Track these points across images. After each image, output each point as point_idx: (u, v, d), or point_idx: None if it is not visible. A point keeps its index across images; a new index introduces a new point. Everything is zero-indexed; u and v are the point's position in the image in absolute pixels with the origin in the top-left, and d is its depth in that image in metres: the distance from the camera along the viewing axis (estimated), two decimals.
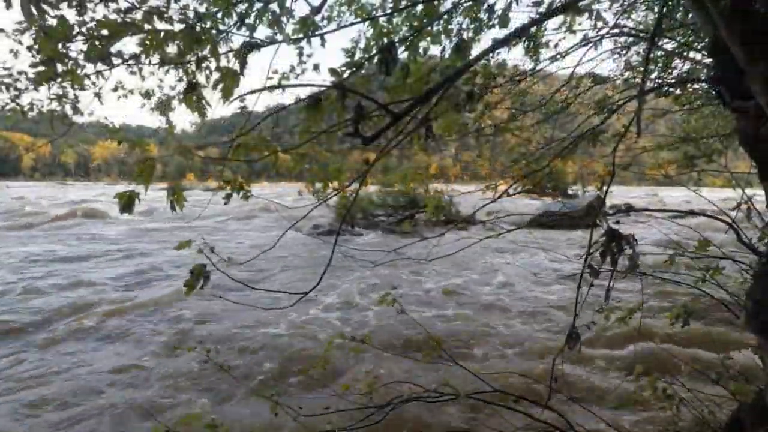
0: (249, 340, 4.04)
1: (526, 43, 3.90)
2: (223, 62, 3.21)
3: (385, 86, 2.95)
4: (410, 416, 2.71)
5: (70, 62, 1.93)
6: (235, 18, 3.38)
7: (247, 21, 3.45)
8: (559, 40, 3.86)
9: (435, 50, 3.64)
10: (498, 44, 1.99)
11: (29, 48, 3.71)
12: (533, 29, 3.76)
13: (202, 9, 3.60)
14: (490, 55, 3.60)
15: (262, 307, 3.85)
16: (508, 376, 2.99)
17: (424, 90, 2.89)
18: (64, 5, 2.27)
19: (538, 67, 3.81)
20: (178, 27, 2.72)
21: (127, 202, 1.77)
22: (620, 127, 3.92)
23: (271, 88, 1.64)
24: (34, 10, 1.43)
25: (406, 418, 2.69)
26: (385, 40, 3.43)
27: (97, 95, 4.03)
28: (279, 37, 2.97)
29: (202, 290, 1.50)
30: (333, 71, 2.38)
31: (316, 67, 3.85)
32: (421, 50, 3.41)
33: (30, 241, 10.76)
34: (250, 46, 1.46)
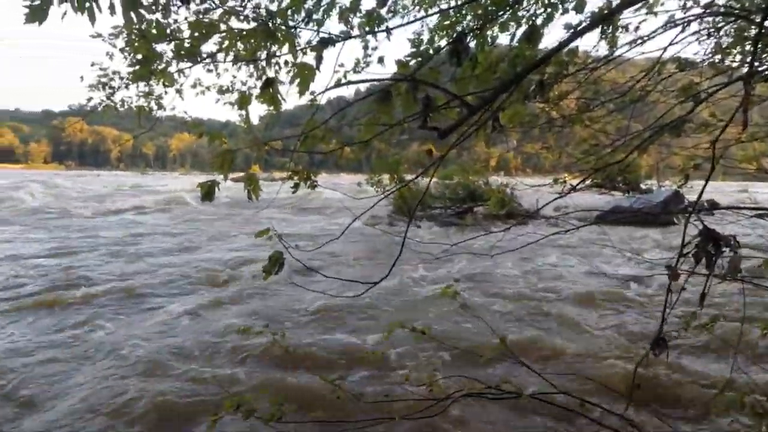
0: (313, 326, 4.19)
1: (602, 27, 3.66)
2: (289, 57, 3.32)
3: (454, 77, 2.90)
4: (470, 412, 2.69)
5: (162, 62, 2.09)
6: (303, 14, 3.48)
7: (314, 16, 3.53)
8: (640, 23, 3.59)
9: (502, 38, 3.53)
10: (582, 30, 1.88)
11: (122, 50, 4.06)
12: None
13: (272, 7, 3.75)
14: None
15: (331, 294, 3.98)
16: (576, 380, 2.87)
17: (498, 81, 2.82)
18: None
19: (614, 53, 3.56)
20: (250, 25, 2.86)
21: (207, 191, 1.90)
22: (707, 116, 3.58)
23: (354, 83, 1.67)
24: (133, 15, 1.55)
25: (465, 413, 2.67)
26: (448, 30, 3.37)
27: (179, 92, 4.33)
28: (354, 32, 3.01)
29: (276, 275, 1.58)
30: (401, 63, 2.38)
31: (380, 60, 3.88)
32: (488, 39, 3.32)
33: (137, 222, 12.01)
34: (327, 42, 1.49)
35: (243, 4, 2.84)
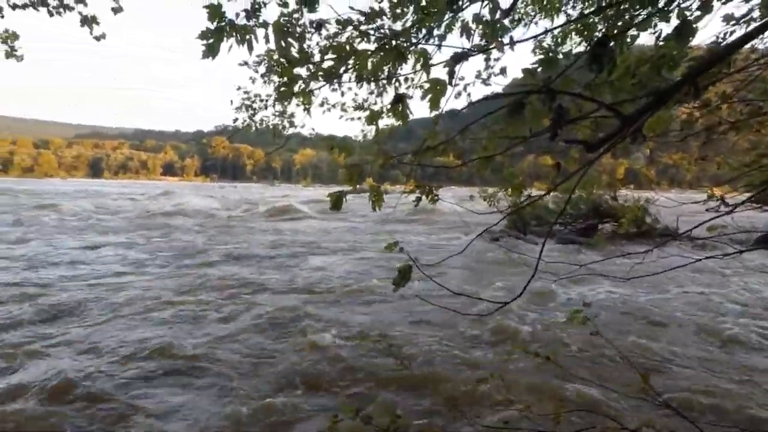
0: (432, 341, 4.14)
1: None
2: (408, 69, 3.39)
3: (588, 83, 2.69)
4: None
5: (303, 84, 2.29)
6: (424, 31, 3.54)
7: (436, 32, 3.56)
8: None
9: (643, 38, 3.18)
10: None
11: (262, 76, 4.57)
12: None
13: (395, 26, 3.88)
14: (724, 35, 2.97)
15: (456, 310, 3.89)
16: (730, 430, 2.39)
17: (638, 86, 2.54)
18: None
19: None
20: (371, 45, 2.99)
21: (336, 201, 2.01)
22: None
23: (497, 96, 1.63)
24: (282, 43, 1.71)
25: None
26: (585, 34, 3.13)
27: (307, 110, 4.72)
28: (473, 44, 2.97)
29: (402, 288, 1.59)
30: (528, 72, 2.27)
31: (503, 71, 3.76)
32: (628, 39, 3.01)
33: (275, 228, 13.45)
34: (460, 57, 1.48)
35: (367, 23, 2.98)
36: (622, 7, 2.90)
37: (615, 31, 2.77)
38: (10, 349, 3.77)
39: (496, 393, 2.91)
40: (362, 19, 2.46)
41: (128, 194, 31.13)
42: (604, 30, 3.04)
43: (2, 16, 4.12)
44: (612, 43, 2.55)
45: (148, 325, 4.58)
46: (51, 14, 4.13)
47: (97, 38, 4.46)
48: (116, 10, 4.31)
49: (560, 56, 3.21)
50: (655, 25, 2.97)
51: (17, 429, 2.64)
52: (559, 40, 4.30)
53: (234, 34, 1.92)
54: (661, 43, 2.73)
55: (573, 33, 3.86)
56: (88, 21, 4.26)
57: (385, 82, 4.57)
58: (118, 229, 12.82)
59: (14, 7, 4.02)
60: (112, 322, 4.64)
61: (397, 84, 4.58)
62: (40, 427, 2.69)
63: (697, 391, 3.08)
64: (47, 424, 2.70)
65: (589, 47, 2.22)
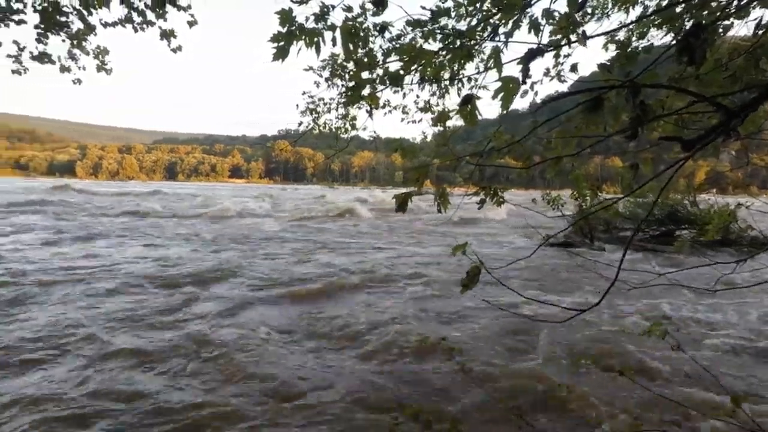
0: (498, 347, 4.01)
1: None
2: (471, 69, 3.31)
3: (672, 78, 2.50)
4: None
5: (371, 87, 2.32)
6: (489, 30, 3.45)
7: (501, 30, 3.47)
8: None
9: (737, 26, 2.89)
10: None
11: (326, 80, 4.70)
12: None
13: (459, 26, 3.83)
14: None
15: (528, 315, 3.78)
16: None
17: (730, 79, 2.33)
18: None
19: None
20: (432, 46, 2.97)
21: (402, 202, 2.01)
22: None
23: (571, 94, 1.56)
24: (351, 47, 1.74)
25: None
26: (672, 25, 2.90)
27: (370, 113, 4.77)
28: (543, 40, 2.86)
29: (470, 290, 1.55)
30: (603, 67, 2.14)
31: (573, 68, 3.59)
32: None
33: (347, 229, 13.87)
34: (535, 54, 1.42)
35: (435, 27, 2.96)
36: None
37: (704, 21, 2.55)
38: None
39: (564, 406, 2.75)
40: (428, 17, 2.44)
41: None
42: (691, 20, 2.80)
43: (95, 34, 4.55)
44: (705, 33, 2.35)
45: None
46: (135, 30, 4.50)
47: (174, 50, 4.81)
48: (191, 24, 4.62)
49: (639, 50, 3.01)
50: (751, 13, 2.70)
51: None
52: (636, 33, 4.03)
53: (303, 37, 1.99)
54: (760, 33, 2.47)
55: (652, 25, 3.60)
56: (166, 35, 4.61)
57: (447, 83, 4.53)
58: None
59: (105, 25, 4.44)
60: None
61: (459, 85, 4.52)
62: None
63: None
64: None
65: (676, 39, 2.06)
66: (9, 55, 4.19)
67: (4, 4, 3.91)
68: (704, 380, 2.84)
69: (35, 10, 4.00)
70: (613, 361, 2.40)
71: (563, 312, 4.05)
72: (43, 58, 4.23)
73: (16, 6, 3.94)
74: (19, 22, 3.97)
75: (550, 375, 3.24)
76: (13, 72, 4.32)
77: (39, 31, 4.06)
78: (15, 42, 4.13)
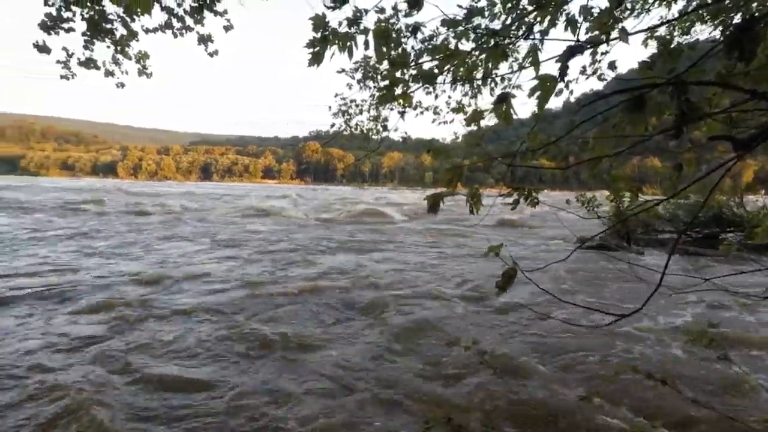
0: (525, 351, 3.91)
1: None
2: (504, 68, 3.27)
3: (719, 74, 2.38)
4: None
5: (405, 86, 2.33)
6: (524, 28, 3.39)
7: (536, 28, 3.40)
8: None
9: None
10: None
11: (359, 81, 4.73)
12: None
13: (492, 25, 3.78)
14: None
15: (565, 321, 3.68)
16: None
17: None
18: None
19: None
20: (465, 46, 2.94)
21: (433, 203, 2.00)
22: None
23: (611, 94, 1.52)
24: (383, 48, 1.75)
25: None
26: (720, 19, 2.77)
27: (402, 114, 4.77)
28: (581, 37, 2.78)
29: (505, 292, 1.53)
30: (645, 65, 2.07)
31: (611, 65, 3.49)
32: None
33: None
34: (574, 51, 1.39)
35: (469, 26, 2.93)
36: None
37: (755, 14, 2.42)
38: None
39: (600, 414, 2.65)
40: (462, 16, 2.42)
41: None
42: (739, 13, 2.67)
43: (138, 40, 4.74)
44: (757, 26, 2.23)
45: None
46: (175, 36, 4.66)
47: (211, 54, 4.95)
48: (227, 28, 4.74)
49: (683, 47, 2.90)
50: None
51: None
52: (678, 29, 3.88)
53: (336, 42, 2.01)
54: None
55: (697, 20, 3.46)
56: (204, 40, 4.75)
57: (479, 83, 4.48)
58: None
59: (147, 31, 4.62)
60: None
61: (492, 84, 4.46)
62: None
63: None
64: None
65: (724, 34, 1.96)
66: (58, 61, 4.41)
67: (55, 14, 4.14)
68: (753, 392, 2.68)
69: (83, 19, 4.21)
70: (654, 369, 2.29)
71: (601, 317, 3.92)
72: (89, 63, 4.44)
73: (66, 15, 4.15)
74: (68, 30, 4.19)
75: (584, 381, 3.14)
76: (62, 77, 4.55)
77: (86, 38, 4.27)
78: (64, 48, 4.36)
